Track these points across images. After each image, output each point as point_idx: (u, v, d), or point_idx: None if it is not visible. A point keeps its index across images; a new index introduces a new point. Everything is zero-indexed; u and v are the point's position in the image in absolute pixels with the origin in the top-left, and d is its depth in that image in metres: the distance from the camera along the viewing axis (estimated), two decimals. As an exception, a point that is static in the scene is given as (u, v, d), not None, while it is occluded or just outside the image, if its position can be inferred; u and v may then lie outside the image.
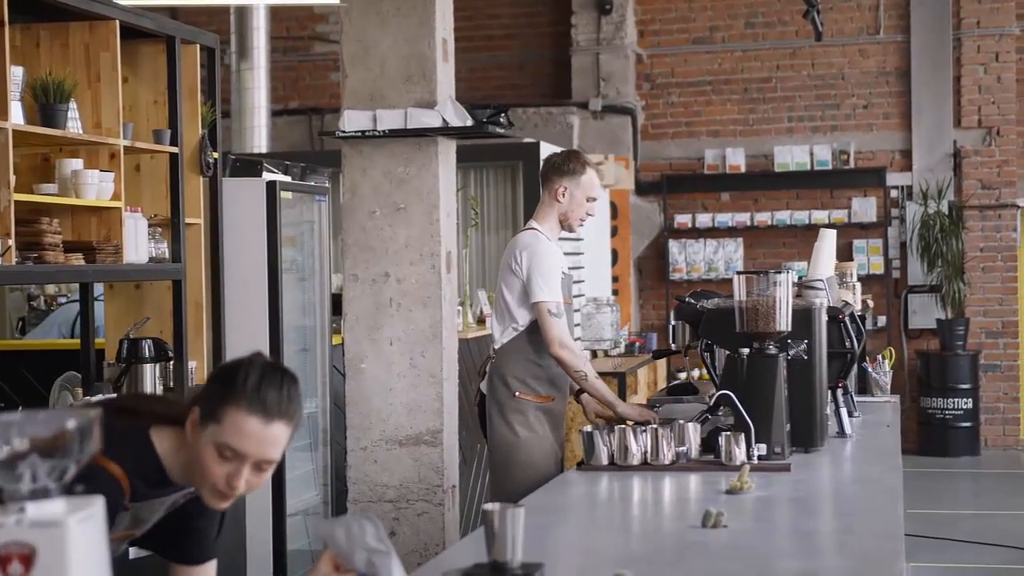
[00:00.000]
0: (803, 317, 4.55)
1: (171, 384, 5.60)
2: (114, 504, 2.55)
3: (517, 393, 5.22)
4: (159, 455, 2.65)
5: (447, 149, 5.96)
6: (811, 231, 12.59)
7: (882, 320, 12.69)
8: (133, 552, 4.60)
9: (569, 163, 5.35)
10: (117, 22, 5.19)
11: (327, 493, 6.91)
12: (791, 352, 4.48)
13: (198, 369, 5.84)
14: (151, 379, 5.41)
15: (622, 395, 9.14)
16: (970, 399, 12.36)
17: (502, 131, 6.08)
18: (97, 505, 1.78)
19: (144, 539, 2.84)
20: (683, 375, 11.79)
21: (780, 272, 4.43)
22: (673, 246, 13.06)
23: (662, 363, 11.35)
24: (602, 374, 9.27)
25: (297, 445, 6.83)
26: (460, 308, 7.89)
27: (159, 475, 2.65)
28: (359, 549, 2.50)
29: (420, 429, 5.80)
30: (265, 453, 2.56)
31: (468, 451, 7.31)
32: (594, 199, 5.39)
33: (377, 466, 5.81)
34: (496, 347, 5.31)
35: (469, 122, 5.79)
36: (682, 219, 13.06)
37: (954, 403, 12.34)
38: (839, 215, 12.72)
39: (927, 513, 9.76)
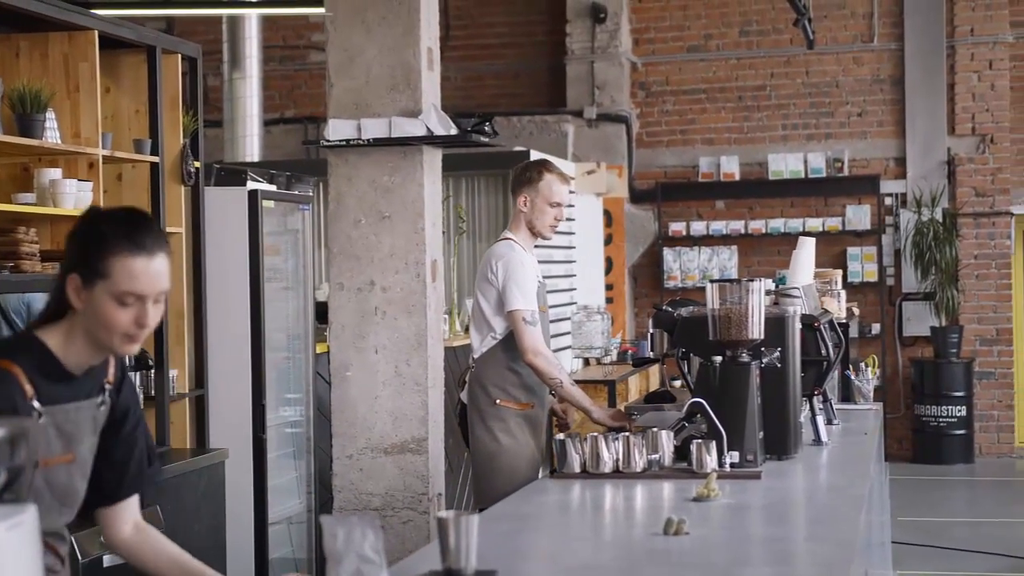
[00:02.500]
0: (776, 325, 4.56)
1: (152, 393, 5.62)
2: (17, 398, 2.62)
3: (497, 401, 5.31)
4: (51, 350, 2.71)
5: (432, 158, 5.97)
6: (805, 239, 12.56)
7: (876, 328, 12.69)
8: (108, 560, 4.63)
9: (527, 172, 5.47)
10: (96, 32, 5.21)
11: (311, 501, 6.92)
12: (764, 360, 4.49)
13: (179, 378, 5.86)
14: (131, 388, 5.42)
15: (611, 403, 9.16)
16: (964, 406, 12.36)
17: (486, 140, 6.09)
18: (28, 513, 1.80)
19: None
20: (678, 383, 11.79)
21: (753, 280, 4.43)
22: (668, 254, 13.07)
23: (655, 371, 11.36)
24: (593, 382, 9.35)
25: (281, 453, 6.84)
26: (447, 316, 7.91)
27: (57, 368, 2.71)
28: (352, 554, 2.51)
29: (405, 437, 5.80)
30: (159, 286, 2.69)
31: (454, 459, 7.32)
32: (558, 204, 5.45)
33: (362, 474, 5.81)
34: (475, 356, 5.40)
35: (453, 131, 5.80)
36: (676, 227, 13.08)
37: (948, 410, 12.33)
38: (833, 223, 12.73)
39: (920, 521, 9.76)
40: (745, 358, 4.43)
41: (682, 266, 13.06)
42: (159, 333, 5.65)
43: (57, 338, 2.73)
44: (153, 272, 2.68)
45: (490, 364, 5.34)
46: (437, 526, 2.75)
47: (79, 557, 4.48)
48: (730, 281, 4.45)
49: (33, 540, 1.80)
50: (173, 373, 5.77)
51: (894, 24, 12.87)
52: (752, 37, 13.16)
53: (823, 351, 5.06)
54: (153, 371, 5.60)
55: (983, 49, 12.70)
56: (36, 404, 2.66)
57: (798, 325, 4.71)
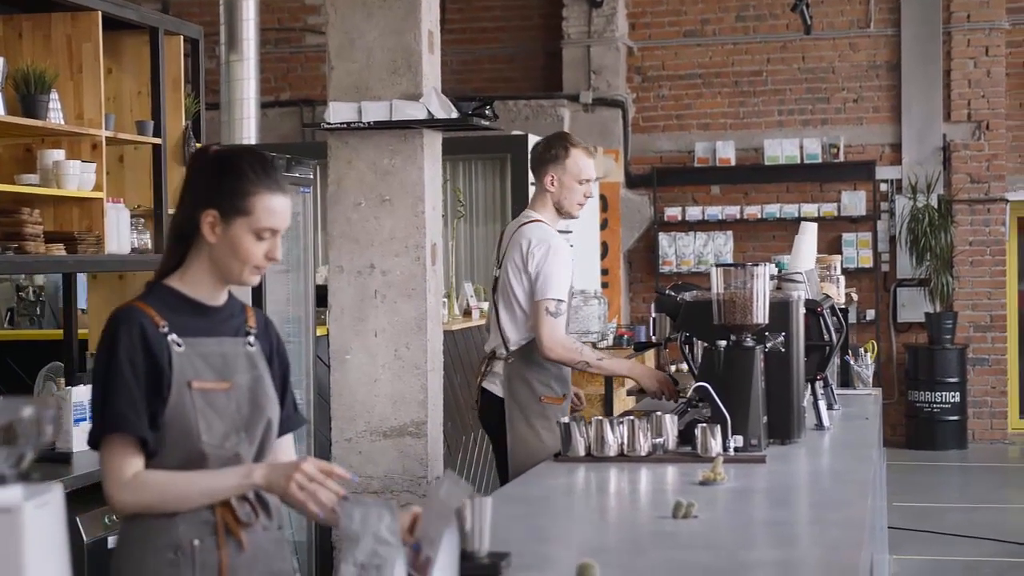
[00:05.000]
0: (781, 310, 4.56)
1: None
2: (148, 326, 2.80)
3: (542, 397, 5.11)
4: (178, 290, 2.89)
5: (432, 141, 5.97)
6: (800, 224, 12.58)
7: (871, 313, 12.71)
8: (112, 541, 4.63)
9: (551, 149, 5.22)
10: (99, 13, 5.20)
11: (311, 484, 6.91)
12: (768, 344, 4.49)
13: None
14: (134, 369, 5.41)
15: (609, 387, 9.15)
16: (958, 393, 12.40)
17: (487, 123, 6.08)
18: (55, 492, 1.80)
19: None
20: (673, 367, 11.81)
21: (758, 265, 4.44)
22: (663, 239, 13.08)
23: (651, 355, 11.38)
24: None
25: (281, 436, 6.82)
26: (446, 300, 7.90)
27: (186, 302, 2.89)
28: (369, 535, 2.53)
29: (405, 420, 5.81)
30: (288, 222, 2.91)
31: (453, 443, 7.33)
32: (587, 180, 5.21)
33: (362, 457, 5.82)
34: (511, 347, 5.15)
35: (454, 114, 5.79)
36: (672, 212, 13.08)
37: (942, 396, 12.37)
38: (829, 208, 12.75)
39: (914, 506, 9.79)
40: (749, 342, 4.44)
41: (677, 251, 13.07)
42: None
43: (179, 280, 2.90)
44: (287, 210, 2.89)
45: (532, 356, 5.10)
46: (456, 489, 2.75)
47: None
48: (735, 265, 4.45)
49: (60, 518, 1.80)
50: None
51: (891, 10, 12.87)
52: (748, 22, 13.16)
53: (826, 336, 5.07)
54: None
55: (979, 35, 12.70)
56: (173, 336, 2.82)
57: (802, 310, 4.71)
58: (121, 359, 2.78)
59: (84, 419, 4.84)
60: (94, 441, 2.83)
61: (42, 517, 1.76)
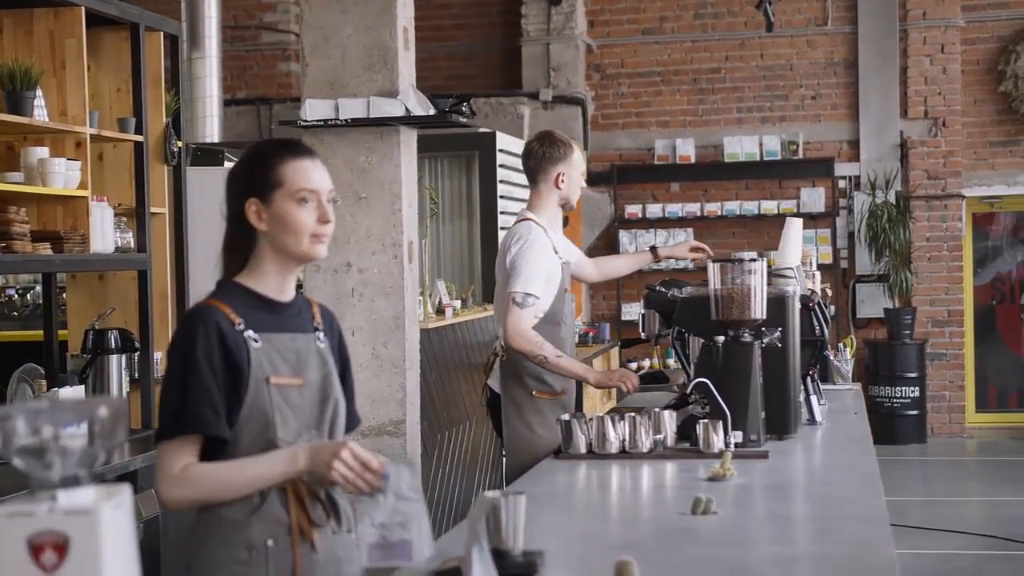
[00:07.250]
0: (777, 305, 4.57)
1: (136, 375, 5.54)
2: (224, 325, 2.80)
3: (534, 393, 5.13)
4: (248, 287, 2.89)
5: (409, 138, 5.94)
6: (760, 221, 12.69)
7: (831, 309, 12.77)
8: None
9: (558, 148, 5.25)
10: (83, 8, 5.12)
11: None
12: (765, 340, 4.50)
13: (163, 360, 5.77)
14: (117, 370, 5.35)
15: (578, 388, 9.12)
16: (917, 387, 12.50)
17: (464, 121, 6.06)
18: (125, 493, 1.77)
19: None
20: (634, 364, 11.84)
21: (755, 260, 4.44)
22: (624, 236, 13.09)
23: (615, 352, 11.41)
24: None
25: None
26: (420, 298, 7.87)
27: (257, 298, 2.88)
28: (390, 493, 2.52)
29: (383, 420, 5.79)
30: (327, 183, 2.91)
31: (429, 441, 7.29)
32: (583, 172, 5.33)
33: (340, 457, 5.78)
34: (504, 344, 5.16)
35: (432, 111, 5.76)
36: (632, 209, 13.10)
37: (901, 391, 12.46)
38: (788, 205, 12.81)
39: (878, 500, 9.86)
40: (747, 338, 4.44)
41: (638, 248, 13.08)
42: (144, 315, 5.58)
43: (247, 276, 2.90)
44: (320, 169, 2.91)
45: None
46: (487, 507, 2.73)
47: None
48: (732, 261, 4.45)
49: (131, 518, 1.78)
50: (157, 355, 5.69)
51: (848, 7, 12.96)
52: (707, 20, 13.20)
53: (817, 330, 5.09)
54: (138, 353, 5.52)
55: (935, 33, 12.81)
56: (250, 332, 2.83)
57: (797, 304, 4.73)
58: (199, 359, 2.76)
59: (73, 421, 4.76)
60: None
61: (117, 518, 1.73)
